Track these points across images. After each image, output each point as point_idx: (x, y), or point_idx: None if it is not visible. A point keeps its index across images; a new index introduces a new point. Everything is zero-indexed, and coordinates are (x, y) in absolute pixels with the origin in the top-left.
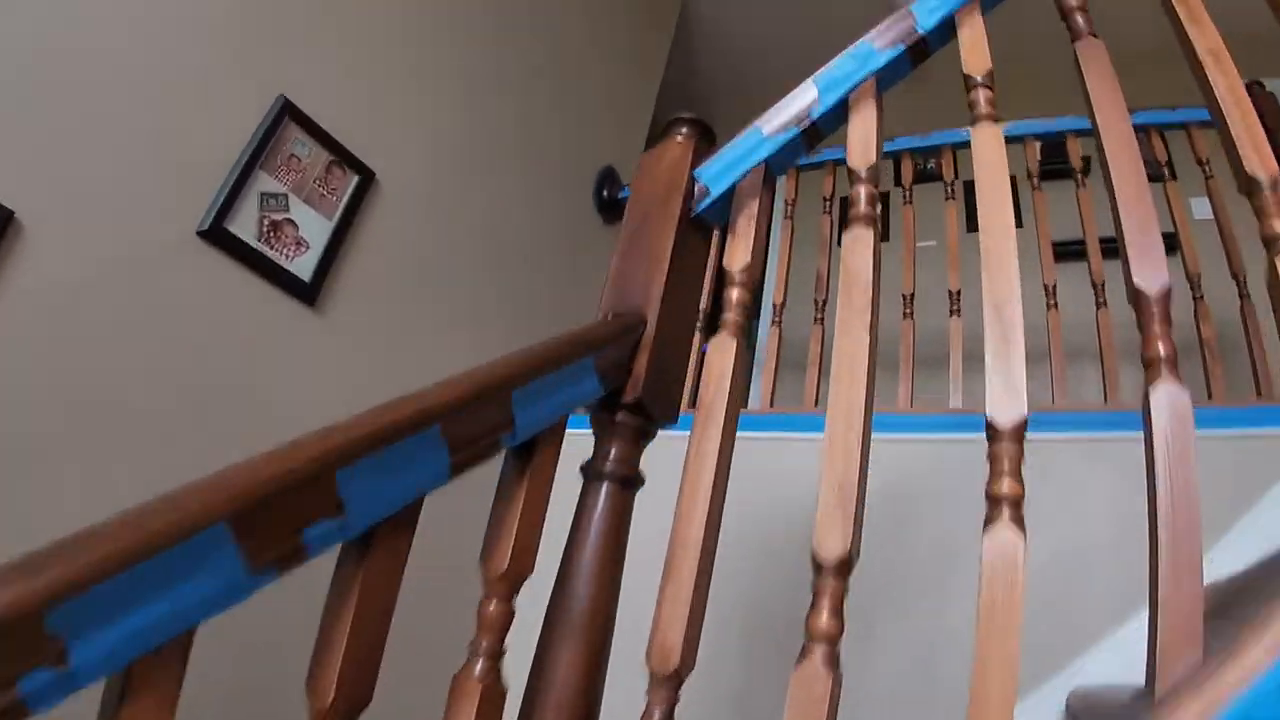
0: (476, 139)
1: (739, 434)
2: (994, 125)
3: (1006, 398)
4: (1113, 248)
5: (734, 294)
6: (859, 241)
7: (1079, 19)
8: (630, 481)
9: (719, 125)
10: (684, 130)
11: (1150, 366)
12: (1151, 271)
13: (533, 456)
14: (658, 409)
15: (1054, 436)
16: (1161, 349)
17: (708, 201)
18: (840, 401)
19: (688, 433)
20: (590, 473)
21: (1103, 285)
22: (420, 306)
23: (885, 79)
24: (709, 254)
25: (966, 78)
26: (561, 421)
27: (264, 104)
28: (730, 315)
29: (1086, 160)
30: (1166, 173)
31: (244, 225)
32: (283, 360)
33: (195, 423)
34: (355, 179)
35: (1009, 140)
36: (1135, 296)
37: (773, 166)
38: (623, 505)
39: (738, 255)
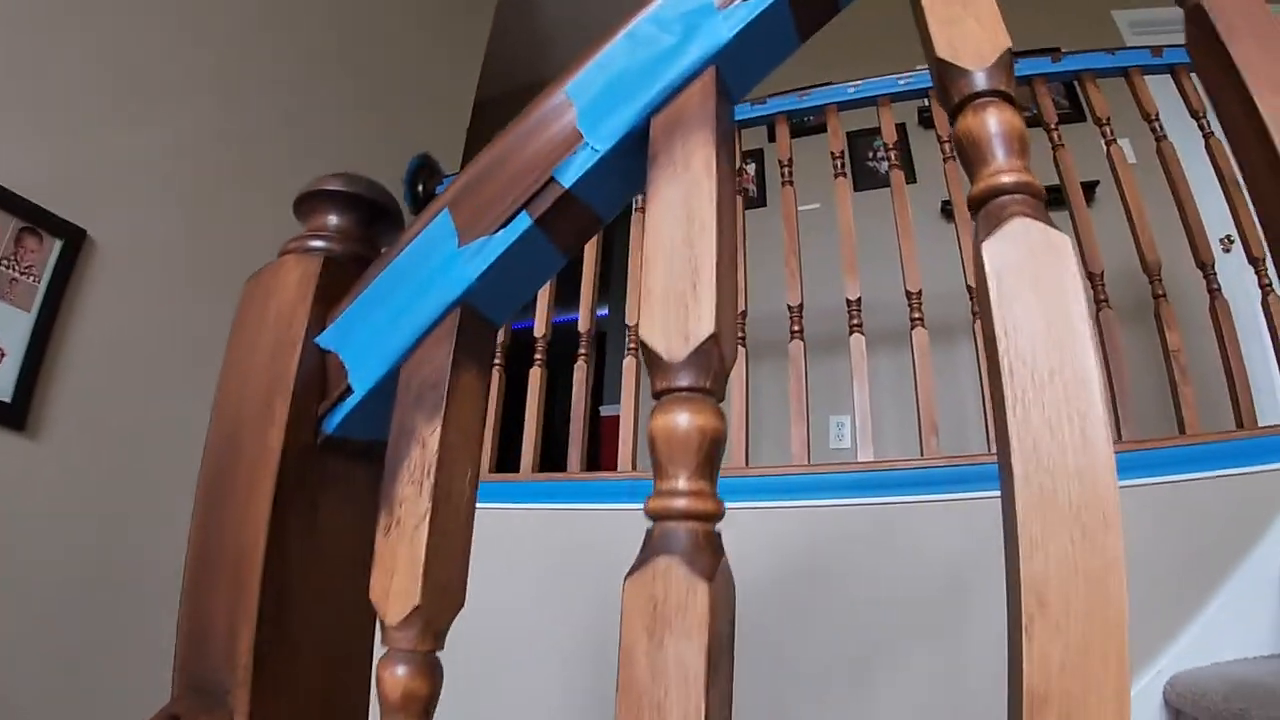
0: (233, 153)
1: None
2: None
3: None
4: None
5: None
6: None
7: None
8: None
9: None
10: (315, 239)
11: None
12: None
13: None
14: None
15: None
16: None
17: (358, 398)
18: None
19: None
20: None
21: None
22: (176, 392)
23: None
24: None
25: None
26: None
27: None
28: None
29: None
30: (1110, 131)
31: None
32: None
33: None
34: (57, 245)
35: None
36: None
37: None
38: None
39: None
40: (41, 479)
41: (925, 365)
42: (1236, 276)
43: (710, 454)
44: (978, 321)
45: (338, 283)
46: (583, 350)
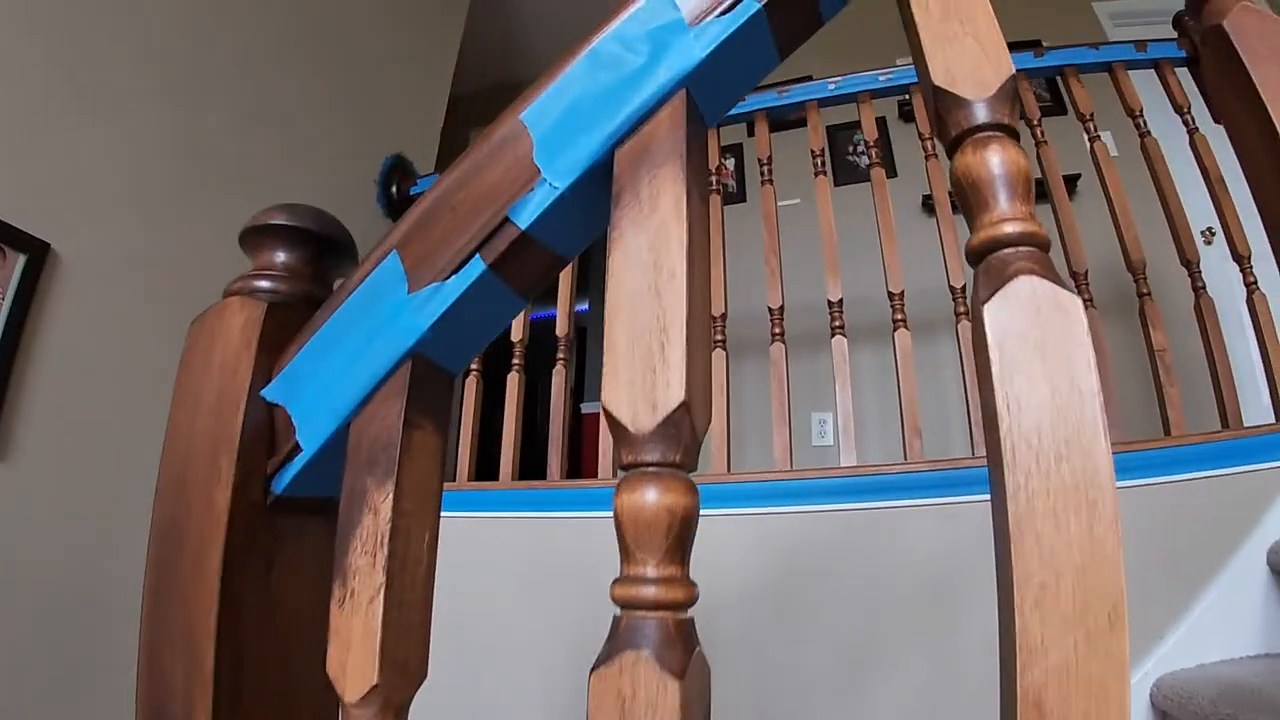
0: (200, 158)
1: None
2: None
3: None
4: None
5: None
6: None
7: None
8: None
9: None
10: (261, 279)
11: None
12: None
13: None
14: None
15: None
16: None
17: (307, 456)
18: None
19: None
20: None
21: None
22: (150, 405)
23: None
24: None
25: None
26: None
27: None
28: None
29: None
30: (1093, 127)
31: None
32: None
33: None
34: (21, 260)
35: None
36: None
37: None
38: None
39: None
40: (13, 500)
41: (908, 367)
42: (1218, 268)
43: (681, 535)
44: (960, 322)
45: (285, 327)
46: (561, 355)
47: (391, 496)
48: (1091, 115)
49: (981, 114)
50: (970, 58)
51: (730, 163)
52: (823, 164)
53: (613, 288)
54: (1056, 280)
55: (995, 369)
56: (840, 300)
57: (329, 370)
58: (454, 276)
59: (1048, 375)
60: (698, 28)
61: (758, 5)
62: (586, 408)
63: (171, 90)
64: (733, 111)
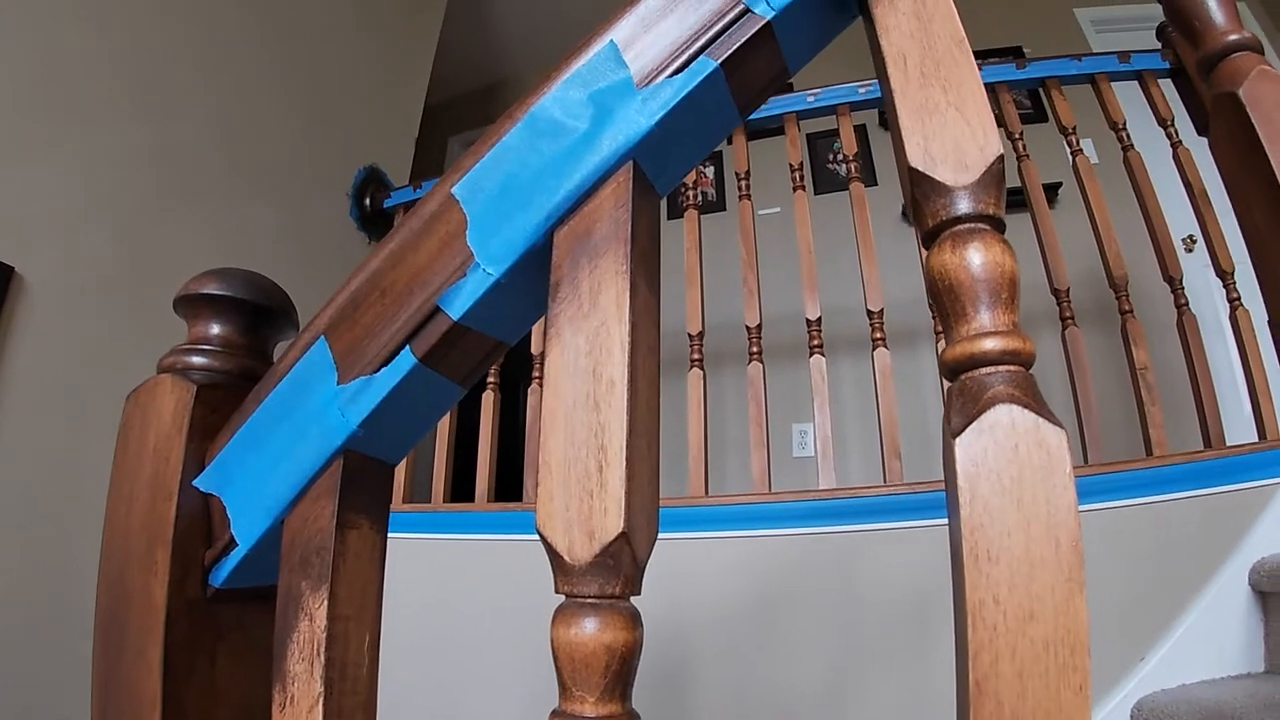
0: (166, 172)
1: None
2: None
3: None
4: None
5: None
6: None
7: None
8: None
9: (528, 86)
10: (194, 354)
11: None
12: None
13: None
14: None
15: None
16: None
17: (243, 551)
18: None
19: None
20: None
21: None
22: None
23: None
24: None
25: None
26: None
27: None
28: None
29: None
30: (1075, 140)
31: None
32: None
33: None
34: None
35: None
36: None
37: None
38: None
39: None
40: None
41: (887, 388)
42: (1200, 274)
43: (620, 673)
44: (939, 341)
45: (217, 409)
46: (536, 374)
47: (327, 604)
48: (1074, 129)
49: (963, 204)
50: (952, 134)
51: (710, 171)
52: (801, 178)
53: (549, 396)
54: (1039, 409)
55: (964, 512)
56: (819, 319)
57: (260, 463)
58: (384, 370)
59: (1024, 523)
60: (647, 89)
61: (714, 64)
62: None
63: (138, 106)
64: None
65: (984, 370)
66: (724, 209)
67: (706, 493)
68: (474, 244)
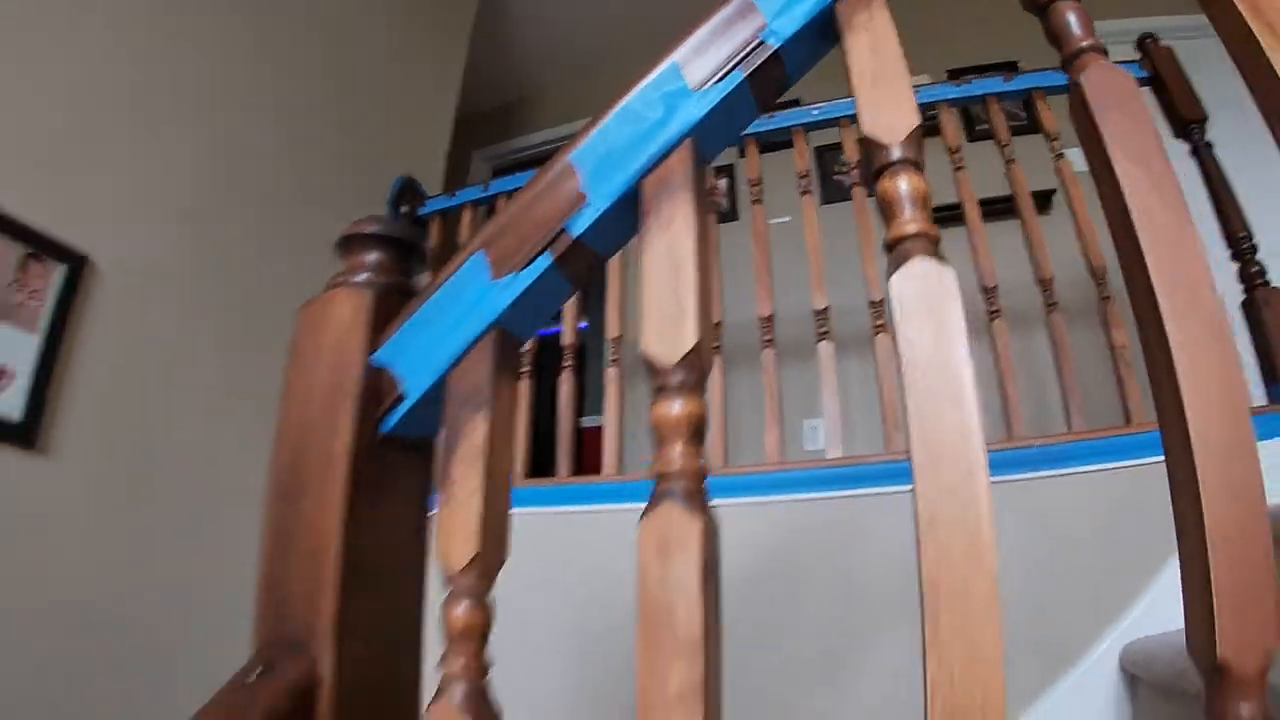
0: (226, 173)
1: None
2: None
3: None
4: None
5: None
6: None
7: None
8: None
9: (545, 103)
10: (360, 274)
11: None
12: None
13: None
14: None
15: None
16: None
17: (410, 403)
18: None
19: None
20: None
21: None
22: (181, 408)
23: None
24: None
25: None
26: None
27: None
28: None
29: None
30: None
31: None
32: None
33: None
34: (61, 270)
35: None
36: None
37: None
38: None
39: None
40: (54, 495)
41: (888, 367)
42: None
43: (695, 430)
44: None
45: (383, 310)
46: (569, 362)
47: (486, 425)
48: (1058, 135)
49: (895, 154)
50: (888, 114)
51: (724, 183)
52: (808, 185)
53: (646, 278)
54: (939, 261)
55: (897, 317)
56: (826, 309)
57: (428, 338)
58: (527, 268)
59: (932, 323)
60: (699, 92)
61: (742, 76)
62: (587, 422)
63: (202, 111)
64: None
65: (907, 243)
66: (736, 218)
67: (725, 463)
68: (586, 190)
